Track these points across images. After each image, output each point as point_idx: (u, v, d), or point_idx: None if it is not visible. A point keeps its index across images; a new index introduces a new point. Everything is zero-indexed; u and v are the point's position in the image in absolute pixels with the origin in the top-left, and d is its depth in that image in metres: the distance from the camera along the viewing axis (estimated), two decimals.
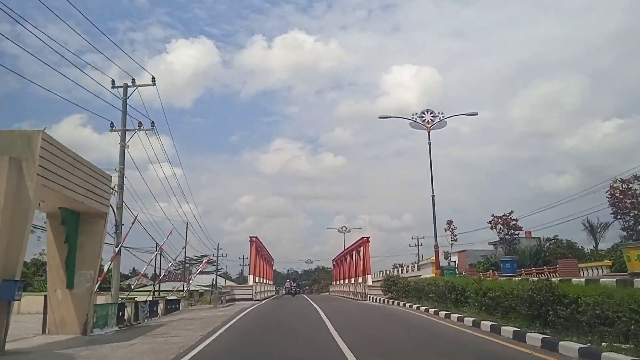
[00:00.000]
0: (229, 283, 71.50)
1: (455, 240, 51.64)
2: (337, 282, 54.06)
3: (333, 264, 59.53)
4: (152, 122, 22.05)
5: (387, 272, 57.06)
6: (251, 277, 31.31)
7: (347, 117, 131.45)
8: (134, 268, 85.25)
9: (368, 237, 33.09)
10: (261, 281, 37.93)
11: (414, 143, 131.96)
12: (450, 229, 49.48)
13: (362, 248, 33.35)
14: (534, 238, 77.12)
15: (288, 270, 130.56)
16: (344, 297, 41.96)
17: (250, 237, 33.40)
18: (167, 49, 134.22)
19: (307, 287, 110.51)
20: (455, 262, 77.86)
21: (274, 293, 59.15)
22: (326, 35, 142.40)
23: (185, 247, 36.89)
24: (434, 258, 28.31)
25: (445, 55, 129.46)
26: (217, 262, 77.92)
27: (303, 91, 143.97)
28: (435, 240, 26.69)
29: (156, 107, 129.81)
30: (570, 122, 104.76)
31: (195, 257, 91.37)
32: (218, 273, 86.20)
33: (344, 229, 78.21)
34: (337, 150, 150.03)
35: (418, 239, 77.13)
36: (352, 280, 39.49)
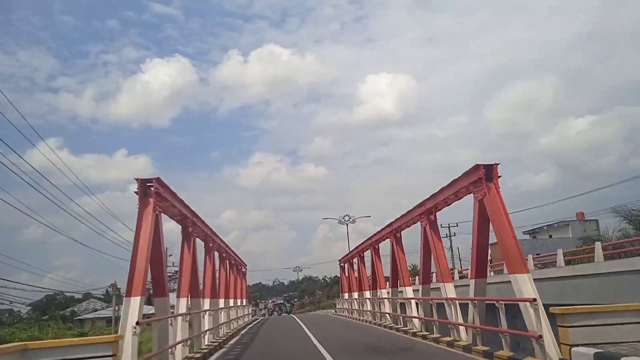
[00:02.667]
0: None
1: None
2: (351, 295, 32.15)
3: (340, 267, 37.58)
4: None
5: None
6: (133, 300, 9.15)
7: (326, 128, 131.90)
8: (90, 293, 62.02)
9: (494, 165, 11.27)
10: (208, 306, 16.23)
11: (393, 151, 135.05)
12: None
13: (478, 196, 11.08)
14: (587, 220, 59.71)
15: (274, 282, 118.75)
16: (387, 328, 20.05)
17: (140, 182, 10.26)
18: (142, 69, 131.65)
19: (295, 300, 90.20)
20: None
21: (251, 317, 37.06)
22: (301, 49, 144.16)
23: None
24: None
25: (419, 62, 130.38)
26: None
27: (281, 105, 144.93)
28: None
29: (134, 127, 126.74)
30: (545, 121, 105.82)
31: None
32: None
33: (346, 218, 56.76)
34: (317, 161, 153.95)
35: (449, 226, 56.41)
36: (408, 290, 17.94)
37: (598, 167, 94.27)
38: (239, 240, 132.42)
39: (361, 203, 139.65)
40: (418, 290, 17.46)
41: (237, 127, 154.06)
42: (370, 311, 24.61)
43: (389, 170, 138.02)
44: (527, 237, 61.32)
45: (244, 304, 32.77)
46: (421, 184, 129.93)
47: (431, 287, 16.97)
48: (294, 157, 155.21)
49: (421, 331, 15.63)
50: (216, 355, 13.85)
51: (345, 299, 34.34)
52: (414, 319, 17.05)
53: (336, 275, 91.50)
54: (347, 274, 35.24)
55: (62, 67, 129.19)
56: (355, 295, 30.64)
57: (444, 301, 13.99)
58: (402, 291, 19.07)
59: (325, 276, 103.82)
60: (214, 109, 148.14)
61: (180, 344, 11.86)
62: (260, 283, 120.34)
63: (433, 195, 14.75)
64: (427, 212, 15.53)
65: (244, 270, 35.37)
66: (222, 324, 19.32)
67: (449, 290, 14.03)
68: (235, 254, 28.18)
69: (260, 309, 60.35)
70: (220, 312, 19.38)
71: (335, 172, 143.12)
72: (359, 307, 28.48)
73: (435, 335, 14.18)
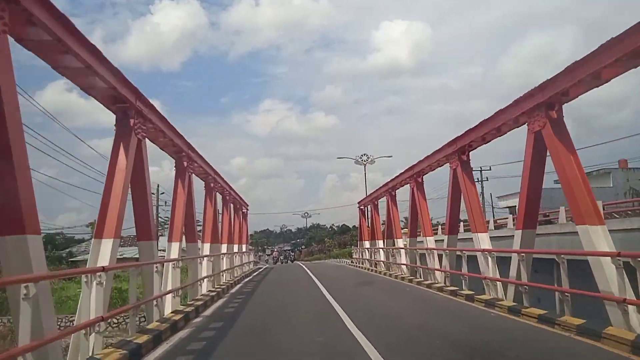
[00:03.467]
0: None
1: None
2: (375, 244, 26.17)
3: (360, 211, 31.40)
4: None
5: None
6: None
7: (337, 75, 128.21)
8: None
9: None
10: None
11: (405, 100, 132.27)
12: None
13: None
14: (631, 169, 53.30)
15: (281, 228, 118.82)
16: (446, 293, 13.86)
17: None
18: (151, 11, 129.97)
19: (303, 247, 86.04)
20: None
21: (253, 265, 31.64)
22: None
23: None
24: None
25: (435, 10, 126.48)
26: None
27: (292, 50, 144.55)
28: None
29: (144, 71, 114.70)
30: None
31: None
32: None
33: (363, 158, 50.14)
34: (328, 110, 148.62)
35: (481, 170, 49.75)
36: (481, 236, 11.69)
37: (613, 121, 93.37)
38: (248, 187, 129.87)
39: (372, 153, 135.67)
40: (505, 240, 11.18)
41: (247, 73, 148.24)
42: (406, 265, 18.60)
43: (401, 121, 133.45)
44: (558, 186, 55.06)
45: (243, 250, 27.02)
46: (431, 134, 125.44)
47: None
48: (304, 105, 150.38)
49: (521, 305, 9.40)
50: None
51: (366, 248, 28.43)
52: (497, 284, 10.83)
53: (344, 224, 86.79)
54: (368, 221, 29.24)
55: (70, 7, 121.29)
56: (380, 243, 24.75)
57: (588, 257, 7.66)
58: (471, 239, 12.81)
59: (333, 224, 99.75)
60: (224, 53, 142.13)
61: (169, 295, 9.53)
62: (267, 229, 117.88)
63: (554, 78, 8.05)
64: (546, 104, 8.91)
65: (244, 210, 29.45)
66: (203, 278, 13.32)
67: (597, 239, 7.71)
68: (231, 188, 21.98)
69: (267, 255, 56.00)
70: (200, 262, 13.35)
71: (346, 121, 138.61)
72: (386, 260, 22.63)
73: (566, 318, 7.91)
